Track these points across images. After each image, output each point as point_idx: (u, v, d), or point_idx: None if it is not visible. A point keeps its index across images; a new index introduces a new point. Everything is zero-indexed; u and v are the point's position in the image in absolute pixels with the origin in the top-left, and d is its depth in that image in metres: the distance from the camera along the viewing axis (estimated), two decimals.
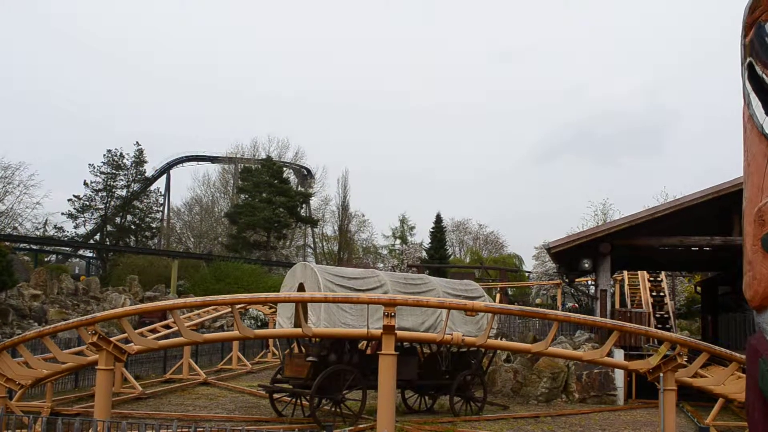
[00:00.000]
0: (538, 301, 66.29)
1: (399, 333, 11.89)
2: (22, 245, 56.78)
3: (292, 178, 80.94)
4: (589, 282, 41.31)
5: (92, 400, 17.31)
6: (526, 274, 71.17)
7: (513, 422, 16.45)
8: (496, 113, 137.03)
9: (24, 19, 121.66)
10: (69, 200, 67.72)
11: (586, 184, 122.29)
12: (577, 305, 49.85)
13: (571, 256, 22.63)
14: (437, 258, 67.53)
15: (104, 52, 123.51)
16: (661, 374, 11.80)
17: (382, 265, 75.71)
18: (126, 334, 17.57)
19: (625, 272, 40.95)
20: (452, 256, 78.44)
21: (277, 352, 30.50)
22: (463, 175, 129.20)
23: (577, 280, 27.63)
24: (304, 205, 76.51)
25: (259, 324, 35.63)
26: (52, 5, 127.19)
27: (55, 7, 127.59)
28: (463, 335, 14.14)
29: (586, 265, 22.49)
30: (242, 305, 21.13)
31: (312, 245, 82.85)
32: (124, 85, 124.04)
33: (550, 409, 18.72)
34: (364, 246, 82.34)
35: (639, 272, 39.88)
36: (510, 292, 57.14)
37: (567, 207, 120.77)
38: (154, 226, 72.47)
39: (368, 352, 17.41)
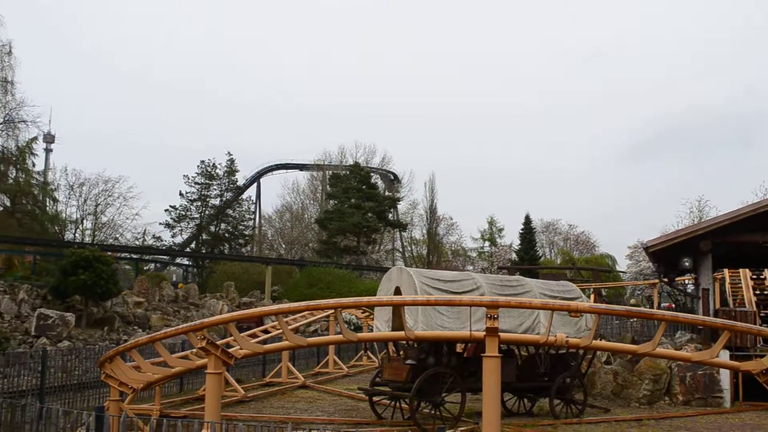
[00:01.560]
0: (632, 301, 64.69)
1: (501, 335, 11.82)
2: (123, 255, 59.03)
3: (380, 183, 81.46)
4: (687, 281, 40.09)
5: (198, 403, 17.92)
6: (620, 274, 69.58)
7: (615, 425, 16.14)
8: (582, 112, 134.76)
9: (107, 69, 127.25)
10: (166, 210, 70.09)
11: (676, 181, 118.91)
12: (673, 305, 48.47)
13: (670, 255, 22.08)
14: (527, 259, 66.74)
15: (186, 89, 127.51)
16: None
17: (471, 267, 75.42)
18: (227, 339, 18.14)
19: (726, 270, 39.51)
20: (542, 258, 77.36)
21: (372, 356, 30.76)
22: (551, 175, 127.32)
23: (676, 279, 26.90)
24: (392, 210, 76.90)
25: (352, 328, 36.02)
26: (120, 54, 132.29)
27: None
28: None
29: (686, 264, 21.91)
30: (342, 309, 21.44)
31: (401, 249, 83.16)
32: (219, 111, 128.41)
33: (653, 412, 18.28)
34: (453, 249, 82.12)
35: (740, 270, 38.40)
36: (604, 293, 55.96)
37: (659, 205, 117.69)
38: (247, 233, 74.10)
39: (465, 355, 17.37)
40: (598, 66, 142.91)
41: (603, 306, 13.25)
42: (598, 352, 19.89)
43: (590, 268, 61.14)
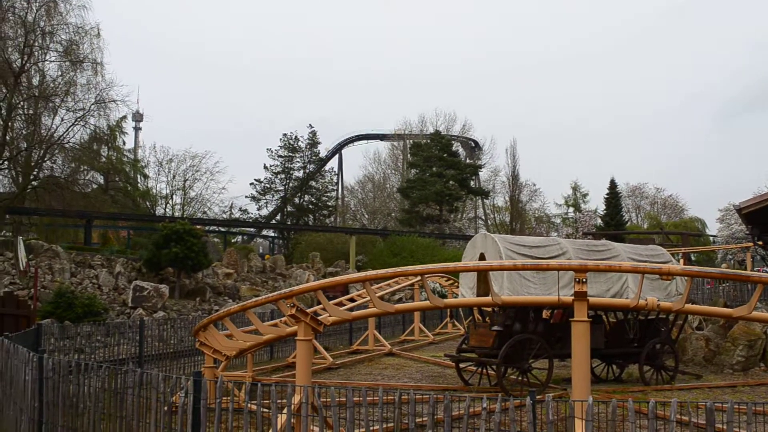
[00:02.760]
0: (724, 265, 62.84)
1: (590, 299, 11.63)
2: (212, 228, 60.67)
3: (461, 151, 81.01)
4: None
5: (287, 370, 18.38)
6: (711, 238, 67.59)
7: (708, 392, 15.76)
8: (671, 69, 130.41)
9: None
10: (251, 184, 71.59)
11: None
12: (767, 268, 46.86)
13: (765, 217, 21.33)
14: (613, 225, 65.46)
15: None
16: None
17: (555, 233, 74.49)
18: (315, 307, 18.47)
19: None
20: (629, 223, 75.74)
21: (457, 324, 30.84)
22: (637, 135, 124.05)
23: None
24: (474, 177, 76.46)
25: (436, 296, 36.09)
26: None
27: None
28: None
29: None
30: (428, 275, 21.60)
31: (483, 217, 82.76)
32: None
33: (748, 379, 17.79)
34: (537, 215, 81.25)
35: None
36: (693, 258, 54.49)
37: (752, 165, 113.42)
38: (330, 204, 75.00)
39: (551, 321, 17.24)
40: (688, 14, 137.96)
41: (696, 268, 12.82)
42: (689, 318, 19.42)
43: (679, 233, 59.59)
